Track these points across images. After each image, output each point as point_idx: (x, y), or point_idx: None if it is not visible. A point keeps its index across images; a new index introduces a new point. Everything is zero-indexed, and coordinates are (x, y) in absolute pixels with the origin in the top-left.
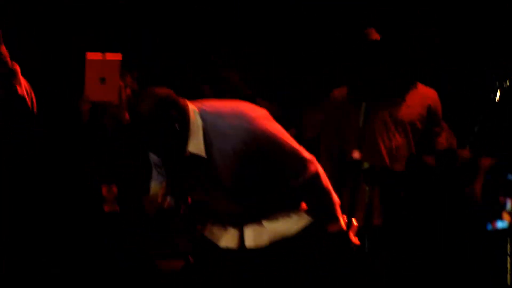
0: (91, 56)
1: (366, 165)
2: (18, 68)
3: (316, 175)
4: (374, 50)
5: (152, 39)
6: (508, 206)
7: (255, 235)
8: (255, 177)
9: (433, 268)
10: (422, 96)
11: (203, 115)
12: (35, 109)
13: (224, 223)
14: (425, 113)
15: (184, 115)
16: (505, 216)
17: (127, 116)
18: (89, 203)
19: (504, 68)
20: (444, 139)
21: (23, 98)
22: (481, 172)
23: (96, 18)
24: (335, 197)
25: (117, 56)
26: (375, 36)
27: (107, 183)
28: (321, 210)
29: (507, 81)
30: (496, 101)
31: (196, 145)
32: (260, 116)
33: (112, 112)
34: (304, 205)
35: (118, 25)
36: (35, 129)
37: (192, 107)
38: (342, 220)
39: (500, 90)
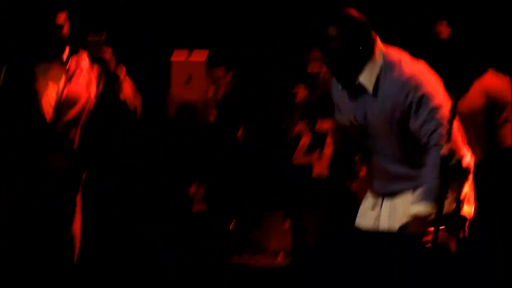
0: (176, 58)
1: (454, 160)
2: (123, 73)
3: (443, 158)
4: (447, 45)
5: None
6: None
7: (390, 217)
8: (401, 134)
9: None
10: (483, 86)
11: (386, 55)
12: (138, 113)
13: (370, 191)
14: (485, 102)
15: (371, 43)
16: None
17: (213, 114)
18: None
19: None
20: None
21: (124, 101)
22: None
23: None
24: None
25: (203, 54)
26: (447, 30)
27: (194, 183)
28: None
29: None
30: None
31: (367, 78)
32: (435, 81)
33: (199, 111)
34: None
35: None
36: (136, 130)
37: (380, 44)
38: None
39: None
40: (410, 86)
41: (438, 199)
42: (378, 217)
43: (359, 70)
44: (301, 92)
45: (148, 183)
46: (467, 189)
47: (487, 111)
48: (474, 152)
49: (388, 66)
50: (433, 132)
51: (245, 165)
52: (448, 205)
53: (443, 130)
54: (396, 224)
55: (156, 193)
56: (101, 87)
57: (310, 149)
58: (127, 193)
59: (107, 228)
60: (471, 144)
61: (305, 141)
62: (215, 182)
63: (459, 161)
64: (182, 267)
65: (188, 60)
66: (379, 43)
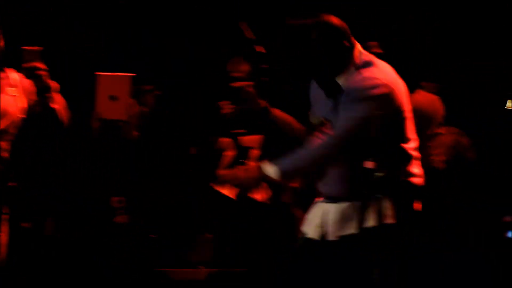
0: (102, 73)
1: (379, 174)
2: (54, 85)
3: (366, 170)
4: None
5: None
6: None
7: (335, 227)
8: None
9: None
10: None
11: (364, 58)
12: (65, 124)
13: (318, 197)
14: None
15: (352, 49)
16: None
17: (135, 133)
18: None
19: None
20: (439, 144)
21: (54, 110)
22: None
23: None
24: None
25: (128, 74)
26: (378, 50)
27: (117, 195)
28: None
29: None
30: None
31: (344, 80)
32: (395, 94)
33: (123, 127)
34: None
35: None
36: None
37: (360, 49)
38: None
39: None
40: (366, 85)
41: (288, 174)
42: (321, 224)
43: (338, 73)
44: (226, 106)
45: (73, 193)
46: (391, 204)
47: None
48: None
49: (361, 68)
50: (338, 122)
51: (170, 177)
52: (372, 220)
53: (345, 128)
54: (340, 232)
55: (81, 202)
56: (32, 99)
57: (234, 163)
58: (54, 201)
59: (34, 235)
60: None
61: (229, 154)
62: (138, 195)
63: (382, 178)
64: (104, 277)
65: (114, 75)
66: (359, 48)
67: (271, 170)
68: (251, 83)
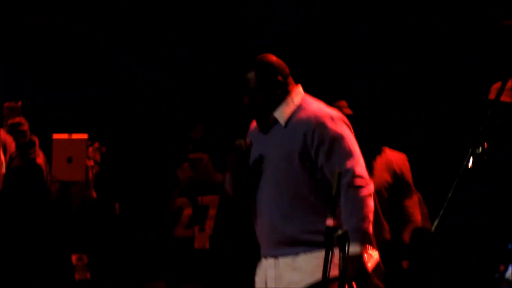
0: (58, 136)
1: (340, 232)
2: (37, 140)
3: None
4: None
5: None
6: (508, 273)
7: (276, 281)
8: (297, 176)
9: None
10: (388, 162)
11: (305, 98)
12: (48, 180)
13: (263, 252)
14: (391, 179)
15: (285, 85)
16: (505, 284)
17: (94, 194)
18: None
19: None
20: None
21: (39, 166)
22: None
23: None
24: None
25: (83, 136)
26: (347, 110)
27: (77, 252)
28: None
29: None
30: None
31: (281, 114)
32: (339, 128)
33: (78, 190)
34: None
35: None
36: (46, 196)
37: (301, 90)
38: None
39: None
40: (320, 121)
41: (365, 239)
42: (264, 282)
43: (273, 107)
44: (185, 168)
45: (34, 252)
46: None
47: (393, 187)
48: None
49: (304, 106)
50: (346, 172)
51: (128, 237)
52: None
53: (359, 172)
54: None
55: (42, 259)
56: (14, 154)
57: (192, 223)
58: (16, 261)
59: None
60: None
61: (186, 214)
62: (99, 252)
63: (345, 234)
64: None
65: (70, 138)
66: (298, 89)
67: (355, 249)
68: (204, 155)
